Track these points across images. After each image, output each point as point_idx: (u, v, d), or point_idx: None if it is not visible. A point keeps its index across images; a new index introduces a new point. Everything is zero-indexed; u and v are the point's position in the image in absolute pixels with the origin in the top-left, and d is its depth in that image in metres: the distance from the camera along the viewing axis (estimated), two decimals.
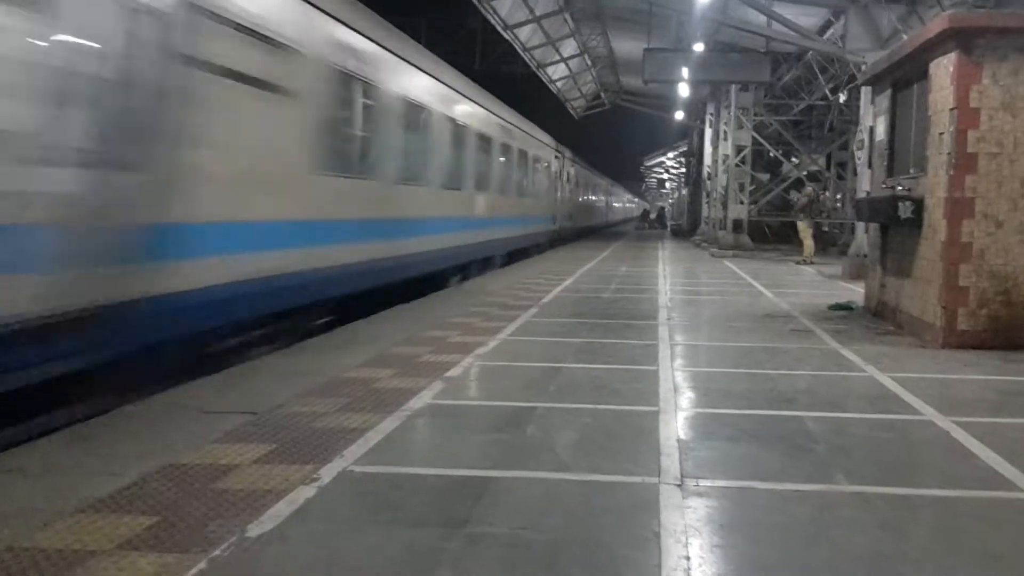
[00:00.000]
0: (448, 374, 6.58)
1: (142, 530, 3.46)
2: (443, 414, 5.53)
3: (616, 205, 73.14)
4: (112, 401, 5.79)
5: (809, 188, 22.79)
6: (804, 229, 21.20)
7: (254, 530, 3.49)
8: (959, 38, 8.07)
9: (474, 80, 17.57)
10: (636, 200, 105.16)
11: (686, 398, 6.07)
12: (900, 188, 9.64)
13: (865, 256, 12.88)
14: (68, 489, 3.93)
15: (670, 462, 4.46)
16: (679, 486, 4.11)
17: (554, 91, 35.23)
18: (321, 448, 4.60)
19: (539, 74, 30.91)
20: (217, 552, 3.26)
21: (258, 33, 7.39)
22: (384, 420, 5.18)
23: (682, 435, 5.03)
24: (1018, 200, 8.02)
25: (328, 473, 4.20)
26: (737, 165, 27.32)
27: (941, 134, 8.39)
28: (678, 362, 7.39)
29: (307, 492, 3.95)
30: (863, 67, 15.40)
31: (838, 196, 29.70)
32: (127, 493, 3.89)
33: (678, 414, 5.54)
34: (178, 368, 6.87)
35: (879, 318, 10.27)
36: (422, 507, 3.85)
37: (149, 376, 6.56)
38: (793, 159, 31.69)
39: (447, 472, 4.35)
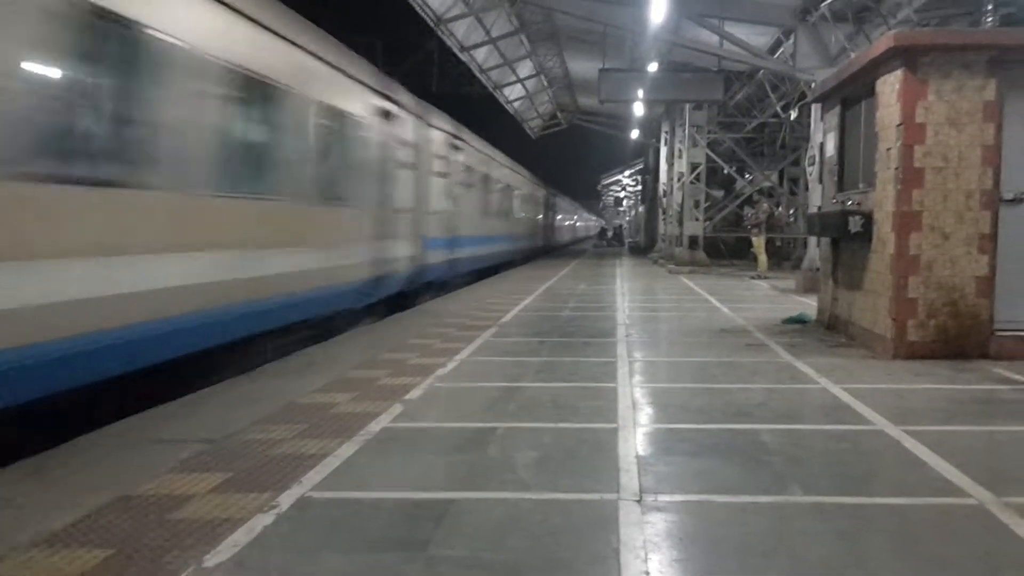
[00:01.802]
0: (407, 397, 6.56)
1: (98, 563, 3.39)
2: (402, 437, 5.51)
3: (579, 224, 72.52)
4: (65, 432, 5.67)
5: (764, 204, 23.18)
6: (759, 244, 21.52)
7: (211, 560, 3.44)
8: (904, 56, 8.28)
9: (431, 102, 17.47)
10: (594, 218, 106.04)
11: (644, 414, 6.11)
12: (850, 203, 9.84)
13: (817, 270, 13.10)
14: (21, 523, 3.84)
15: (629, 478, 4.49)
16: (638, 502, 4.13)
17: (511, 111, 35.41)
18: (279, 475, 4.55)
19: (496, 95, 31.07)
20: None
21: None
22: (343, 445, 5.14)
23: (641, 451, 5.06)
24: (964, 213, 8.23)
25: (286, 500, 4.16)
26: (692, 182, 27.67)
27: (889, 149, 8.59)
28: (636, 378, 7.44)
29: (265, 520, 3.90)
30: (813, 85, 15.75)
31: (791, 211, 30.20)
32: (82, 526, 3.81)
33: (637, 430, 5.57)
34: (131, 397, 6.76)
35: (832, 331, 10.45)
36: (382, 531, 3.83)
37: (101, 406, 6.45)
38: (747, 175, 32.17)
39: (407, 495, 4.32)
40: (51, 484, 4.45)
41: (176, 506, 4.07)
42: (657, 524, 3.87)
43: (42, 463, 4.85)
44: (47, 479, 4.54)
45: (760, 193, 29.74)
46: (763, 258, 21.30)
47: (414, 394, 6.66)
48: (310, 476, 4.53)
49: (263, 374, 7.76)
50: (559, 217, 56.44)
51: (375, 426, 5.62)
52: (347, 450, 5.05)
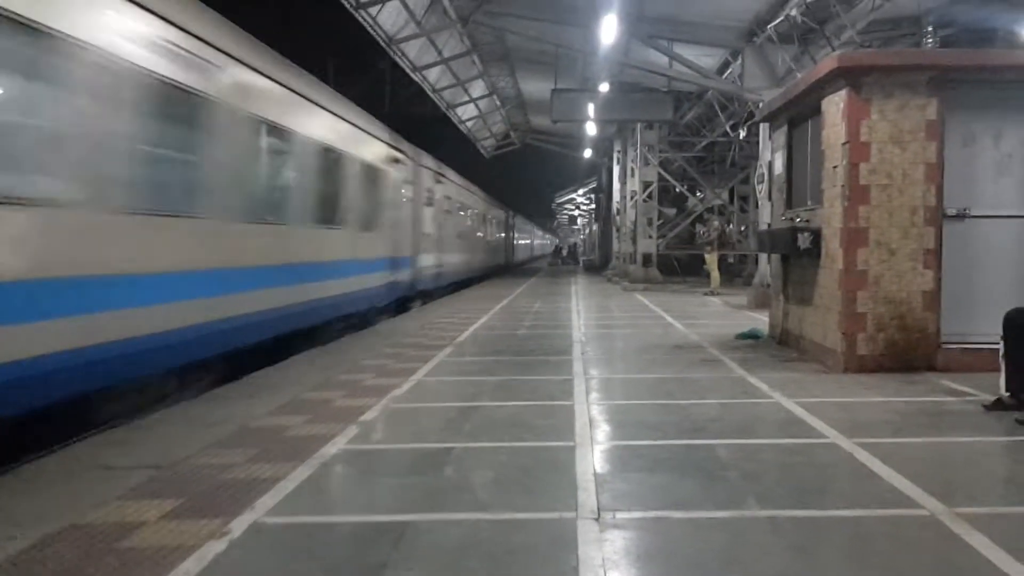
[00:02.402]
0: (363, 418, 6.48)
1: None
2: (358, 459, 5.44)
3: (536, 243, 78.46)
4: (9, 460, 5.51)
5: (715, 222, 23.51)
6: (711, 261, 21.79)
7: None
8: (848, 76, 8.48)
9: (384, 121, 17.58)
10: (549, 237, 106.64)
11: (602, 431, 6.12)
12: (799, 220, 10.01)
13: (768, 286, 13.29)
14: None
15: (587, 496, 4.48)
16: (596, 520, 4.12)
17: (464, 131, 35.49)
18: (231, 500, 4.46)
19: (449, 115, 31.12)
20: None
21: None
22: (297, 468, 5.06)
23: (598, 468, 5.06)
24: (909, 229, 8.42)
25: (239, 526, 4.07)
26: (645, 200, 27.95)
27: (835, 167, 8.77)
28: (593, 396, 7.46)
29: (217, 547, 3.81)
30: (760, 104, 16.04)
31: (742, 228, 30.66)
32: (27, 556, 3.69)
33: (594, 448, 5.57)
34: (77, 423, 6.60)
35: (783, 345, 10.59)
36: (338, 555, 3.77)
37: (47, 433, 6.28)
38: (698, 193, 32.64)
39: (363, 518, 4.27)
40: None
41: (125, 534, 3.96)
42: (615, 542, 3.87)
43: None
44: None
45: (711, 211, 30.17)
46: (715, 275, 21.58)
47: (369, 415, 6.59)
48: (263, 501, 4.45)
49: (215, 397, 7.62)
50: (518, 236, 60.31)
51: (330, 449, 5.54)
52: (301, 473, 4.97)
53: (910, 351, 8.41)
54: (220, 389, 8.10)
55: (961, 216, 8.46)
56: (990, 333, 7.12)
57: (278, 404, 7.04)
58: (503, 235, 46.18)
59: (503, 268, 43.38)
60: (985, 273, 8.44)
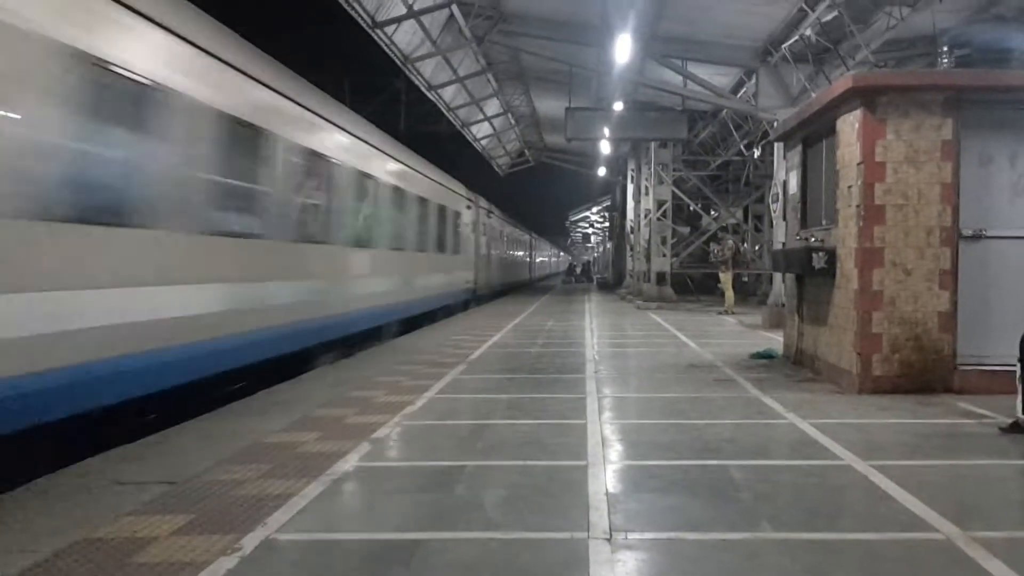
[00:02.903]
0: (375, 435, 6.49)
1: None
2: (370, 477, 5.44)
3: (552, 261, 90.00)
4: (24, 475, 5.53)
5: (730, 241, 23.45)
6: (726, 280, 21.73)
7: None
8: (863, 96, 8.47)
9: (399, 139, 18.00)
10: (562, 254, 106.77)
11: (614, 451, 6.10)
12: (813, 239, 9.98)
13: (783, 305, 13.23)
14: None
15: (599, 516, 4.46)
16: (608, 540, 4.10)
17: (479, 149, 35.62)
18: (243, 517, 4.46)
19: (464, 133, 31.25)
20: None
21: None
22: (309, 485, 5.06)
23: (611, 488, 5.04)
24: (924, 249, 8.38)
25: (250, 542, 4.08)
26: (659, 219, 27.93)
27: (850, 187, 8.75)
28: (606, 415, 7.43)
29: (228, 563, 3.82)
30: (775, 124, 16.04)
31: (756, 247, 30.58)
32: (39, 570, 3.72)
33: (607, 467, 5.55)
34: (92, 439, 6.63)
35: (798, 366, 10.53)
36: (349, 573, 3.77)
37: (62, 448, 6.31)
38: (712, 212, 32.59)
39: (375, 536, 4.26)
40: (9, 528, 4.33)
41: (137, 549, 3.98)
42: (627, 563, 3.85)
43: (1, 505, 4.72)
44: (5, 522, 4.42)
45: (725, 230, 30.10)
46: (730, 294, 21.50)
47: (382, 432, 6.60)
48: (275, 517, 4.45)
49: (228, 413, 7.65)
50: (538, 255, 71.35)
51: (342, 465, 5.55)
52: (313, 490, 4.97)
53: (926, 372, 8.34)
54: (233, 405, 8.13)
55: (977, 237, 8.41)
56: (1007, 355, 7.06)
57: (290, 420, 7.06)
58: (527, 254, 56.34)
59: (528, 281, 54.37)
60: (1001, 294, 8.38)
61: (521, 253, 50.77)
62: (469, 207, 25.84)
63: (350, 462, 5.65)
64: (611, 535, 4.17)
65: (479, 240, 28.35)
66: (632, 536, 4.17)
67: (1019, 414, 6.48)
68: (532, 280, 58.51)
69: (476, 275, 27.31)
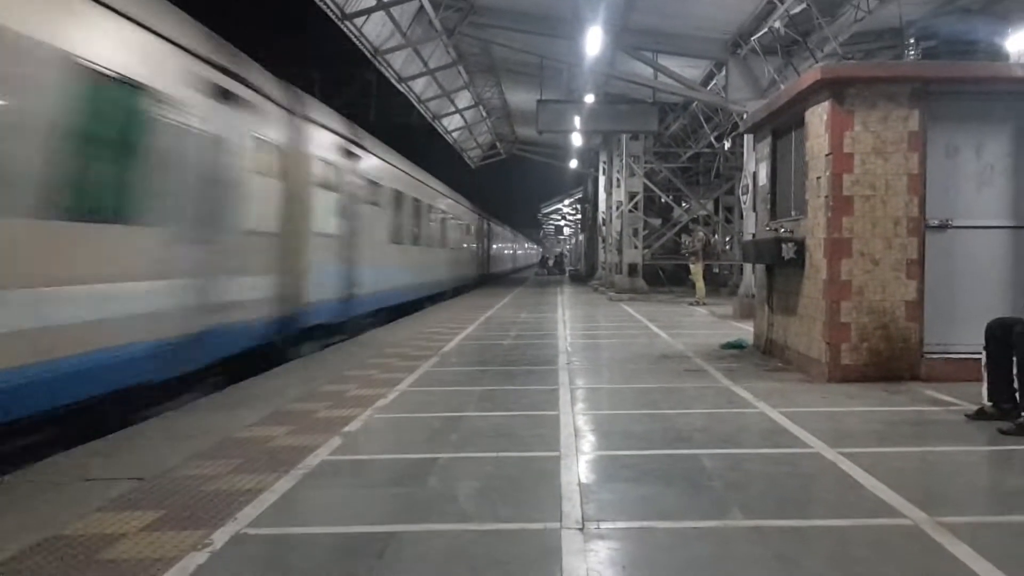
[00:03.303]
0: (346, 429, 6.45)
1: None
2: (342, 470, 5.41)
3: (529, 253, 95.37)
4: None
5: (700, 232, 23.58)
6: (697, 271, 21.86)
7: None
8: (831, 88, 8.54)
9: (370, 131, 17.76)
10: (536, 247, 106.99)
11: (587, 442, 6.11)
12: (783, 230, 10.05)
13: (753, 296, 13.34)
14: None
15: (571, 507, 4.47)
16: (581, 530, 4.11)
17: (450, 142, 35.52)
18: (213, 512, 4.42)
19: (435, 125, 31.14)
20: None
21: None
22: (279, 480, 5.03)
23: (583, 479, 5.05)
24: (892, 239, 8.47)
25: (221, 537, 4.04)
26: (630, 211, 28.04)
27: (818, 178, 8.82)
28: (579, 406, 7.45)
29: (199, 558, 3.78)
30: (744, 116, 16.13)
31: (727, 239, 30.79)
32: (7, 568, 3.65)
33: (579, 458, 5.56)
34: (59, 434, 6.53)
35: (768, 355, 10.62)
36: (321, 567, 3.74)
37: (28, 443, 6.22)
38: (683, 204, 32.76)
39: (347, 530, 4.24)
40: None
41: (106, 545, 3.92)
42: (600, 552, 3.85)
43: None
44: None
45: (696, 222, 30.27)
46: (700, 284, 21.63)
47: (353, 426, 6.56)
48: (246, 512, 4.41)
49: (197, 408, 7.57)
50: (517, 249, 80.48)
51: (313, 459, 5.51)
52: (284, 485, 4.94)
53: (893, 361, 8.45)
54: (203, 400, 8.05)
55: (943, 227, 8.52)
56: (972, 343, 7.16)
57: (261, 415, 7.00)
58: (512, 249, 66.63)
59: (513, 270, 63.95)
60: (967, 283, 8.49)
61: (508, 248, 60.81)
62: (476, 217, 38.60)
63: (321, 456, 5.62)
64: (584, 525, 4.18)
65: (482, 240, 42.55)
66: (604, 526, 4.18)
67: (984, 401, 6.58)
68: (516, 269, 66.72)
69: (482, 264, 39.28)
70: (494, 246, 51.39)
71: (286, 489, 4.86)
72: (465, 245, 35.19)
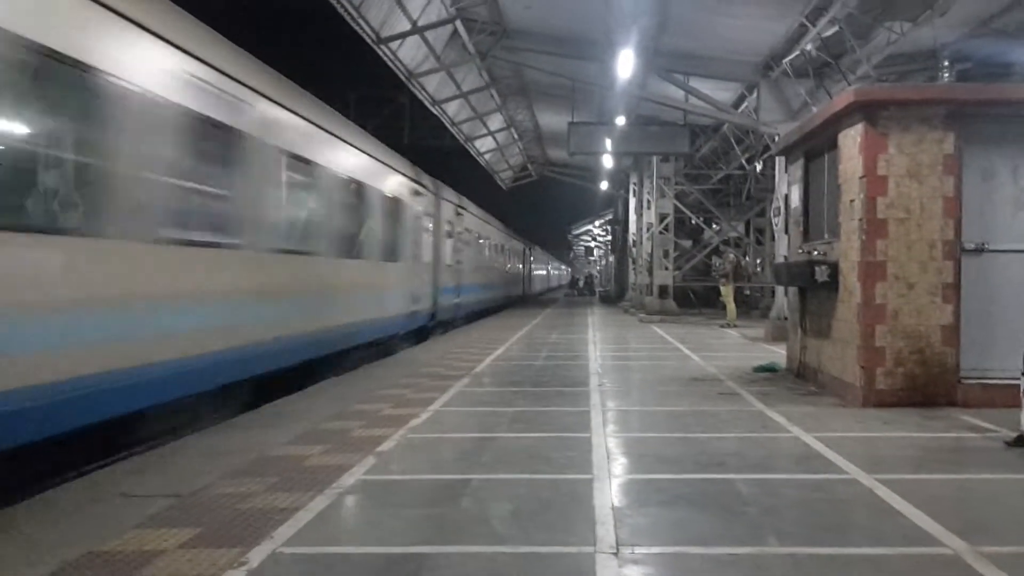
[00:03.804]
0: (380, 448, 6.49)
1: None
2: (376, 490, 5.44)
3: (554, 274, 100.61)
4: (31, 488, 5.55)
5: (731, 255, 23.46)
6: (727, 293, 21.75)
7: None
8: (865, 111, 8.51)
9: (403, 153, 18.07)
10: (565, 268, 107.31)
11: (619, 464, 6.10)
12: (816, 253, 9.99)
13: (786, 319, 13.24)
14: None
15: (605, 530, 4.46)
16: (615, 554, 4.10)
17: (483, 164, 35.72)
18: (249, 530, 4.47)
19: (467, 147, 31.34)
20: None
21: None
22: (315, 499, 5.07)
23: (616, 502, 5.04)
24: (927, 263, 8.39)
25: (257, 556, 4.08)
26: (661, 232, 27.97)
27: (852, 201, 8.77)
28: (610, 428, 7.44)
29: None
30: (776, 138, 16.09)
31: (758, 261, 30.58)
32: None
33: (612, 481, 5.55)
34: (98, 452, 6.64)
35: (801, 379, 10.53)
36: None
37: (68, 460, 6.32)
38: (714, 226, 32.62)
39: (381, 550, 4.26)
40: (16, 539, 4.34)
41: (144, 562, 3.98)
42: None
43: (8, 518, 4.73)
44: (12, 534, 4.43)
45: (727, 243, 30.12)
46: (731, 307, 21.51)
47: (387, 446, 6.60)
48: (281, 531, 4.45)
49: (233, 426, 7.65)
50: (551, 270, 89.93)
51: (347, 479, 5.55)
52: (319, 504, 4.98)
53: (929, 386, 8.34)
54: (238, 418, 8.14)
55: (979, 250, 8.43)
56: (1010, 368, 7.07)
57: (296, 433, 7.06)
58: (547, 271, 74.87)
59: (548, 289, 72.63)
60: (1004, 307, 8.38)
61: (545, 269, 68.97)
62: (517, 242, 38.93)
63: (355, 475, 5.65)
64: (618, 549, 4.17)
65: (527, 263, 44.75)
66: (639, 551, 4.17)
67: (1023, 428, 6.48)
68: (550, 288, 73.97)
69: (525, 282, 42.00)
70: (534, 269, 65.24)
71: (321, 508, 4.90)
72: (516, 270, 46.61)
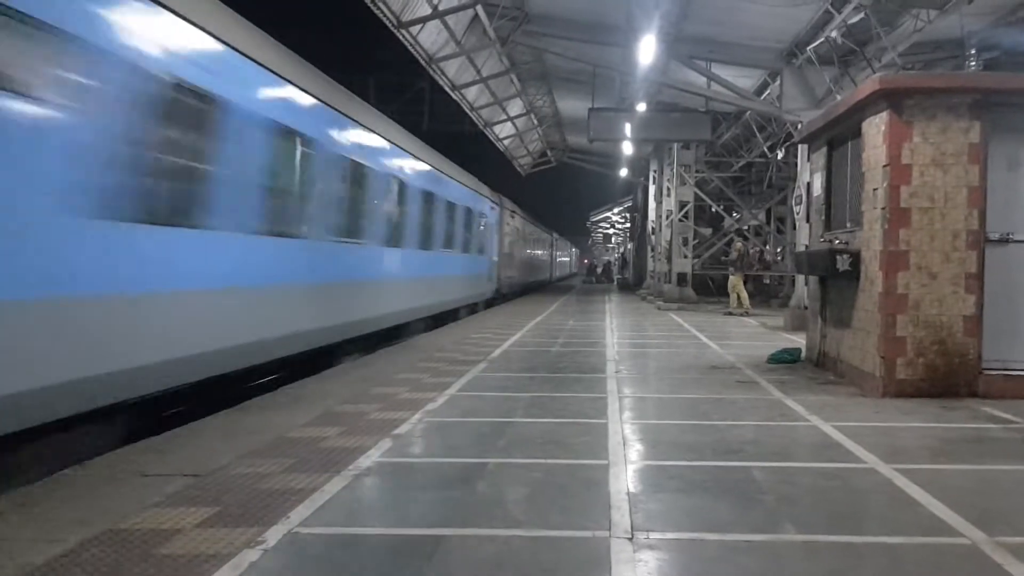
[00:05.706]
0: (396, 431, 6.52)
1: None
2: (392, 472, 5.47)
3: (574, 261, 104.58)
4: (51, 466, 5.61)
5: (739, 243, 23.32)
6: (737, 282, 21.65)
7: None
8: (890, 99, 8.40)
9: (422, 138, 18.14)
10: (585, 255, 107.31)
11: (635, 451, 6.09)
12: (837, 242, 9.91)
13: (806, 308, 13.15)
14: (5, 557, 3.79)
15: (620, 516, 4.46)
16: (630, 539, 4.10)
17: (501, 149, 35.64)
18: (266, 510, 4.50)
19: (487, 133, 31.28)
20: None
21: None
22: (331, 480, 5.10)
23: (632, 488, 5.04)
24: (950, 253, 8.30)
25: (274, 535, 4.11)
26: (680, 220, 27.85)
27: (875, 190, 8.68)
28: (627, 415, 7.43)
29: (252, 556, 3.86)
30: (799, 126, 15.95)
31: (779, 249, 30.40)
32: (66, 560, 3.76)
33: (628, 467, 5.55)
34: (118, 431, 6.71)
35: (821, 368, 10.47)
36: (371, 568, 3.79)
37: (88, 440, 6.39)
38: (734, 214, 32.43)
39: (396, 531, 4.29)
40: (36, 517, 4.40)
41: (162, 541, 4.02)
42: (649, 562, 3.84)
43: (28, 496, 4.79)
44: (32, 512, 4.48)
45: (738, 233, 29.93)
46: (736, 295, 21.41)
47: (404, 429, 6.63)
48: (298, 511, 4.49)
49: (251, 408, 7.71)
50: (572, 258, 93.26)
51: (364, 461, 5.58)
52: (336, 485, 5.00)
53: (950, 377, 8.27)
54: (256, 400, 8.19)
55: (1004, 240, 8.33)
56: None
57: (313, 416, 7.10)
58: (568, 258, 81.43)
59: (569, 275, 78.39)
60: None
61: (566, 257, 67.18)
62: (552, 236, 45.85)
63: (372, 458, 5.68)
64: (633, 534, 4.17)
65: (555, 254, 43.56)
66: (654, 536, 4.17)
67: None
68: (570, 274, 78.18)
69: (551, 268, 42.64)
70: (557, 256, 70.82)
71: (338, 489, 4.93)
72: (545, 257, 54.24)
